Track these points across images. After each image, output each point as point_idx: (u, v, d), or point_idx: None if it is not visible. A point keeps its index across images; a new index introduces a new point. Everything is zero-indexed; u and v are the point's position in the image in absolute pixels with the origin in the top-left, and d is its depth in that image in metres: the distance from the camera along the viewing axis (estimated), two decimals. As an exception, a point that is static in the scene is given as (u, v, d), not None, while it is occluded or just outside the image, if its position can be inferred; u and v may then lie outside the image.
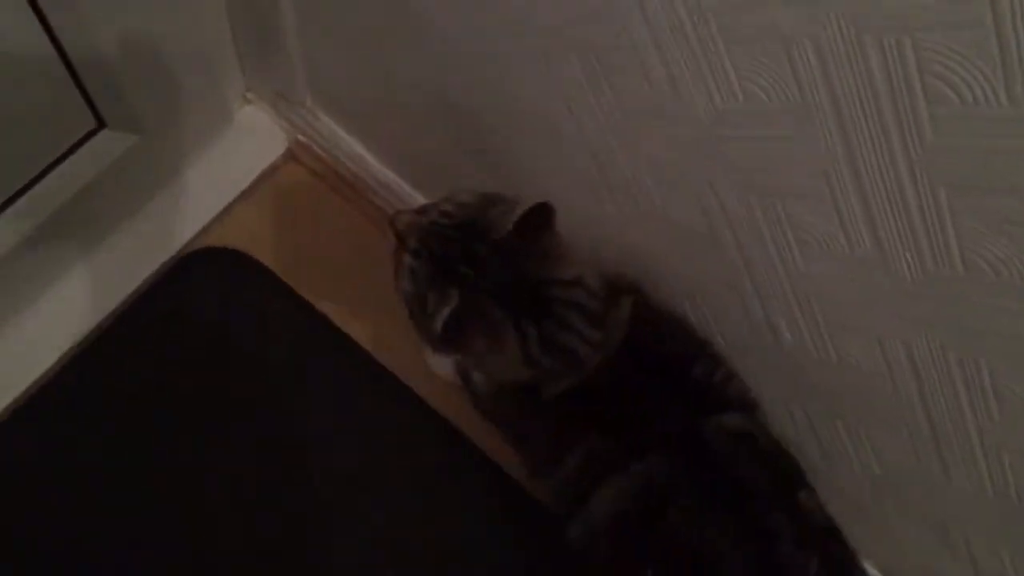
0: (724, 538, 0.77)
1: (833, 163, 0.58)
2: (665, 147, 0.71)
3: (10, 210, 0.95)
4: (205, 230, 1.13)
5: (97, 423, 1.04)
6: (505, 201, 0.78)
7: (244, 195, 1.15)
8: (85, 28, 0.84)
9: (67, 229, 1.01)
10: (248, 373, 1.10)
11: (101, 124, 0.99)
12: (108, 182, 1.01)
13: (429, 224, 0.78)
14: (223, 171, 1.14)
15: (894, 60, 0.50)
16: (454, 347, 0.79)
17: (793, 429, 0.89)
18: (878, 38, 0.49)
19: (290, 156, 1.18)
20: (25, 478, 1.01)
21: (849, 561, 0.81)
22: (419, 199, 1.08)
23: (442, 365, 1.03)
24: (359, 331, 1.13)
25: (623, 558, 0.81)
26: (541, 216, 0.75)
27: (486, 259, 0.75)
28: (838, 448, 0.86)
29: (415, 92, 0.93)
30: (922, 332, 0.65)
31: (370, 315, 1.12)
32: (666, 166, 0.73)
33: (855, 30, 0.50)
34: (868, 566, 0.94)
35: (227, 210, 1.14)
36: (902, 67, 0.50)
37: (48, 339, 1.04)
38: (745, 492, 0.79)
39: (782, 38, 0.54)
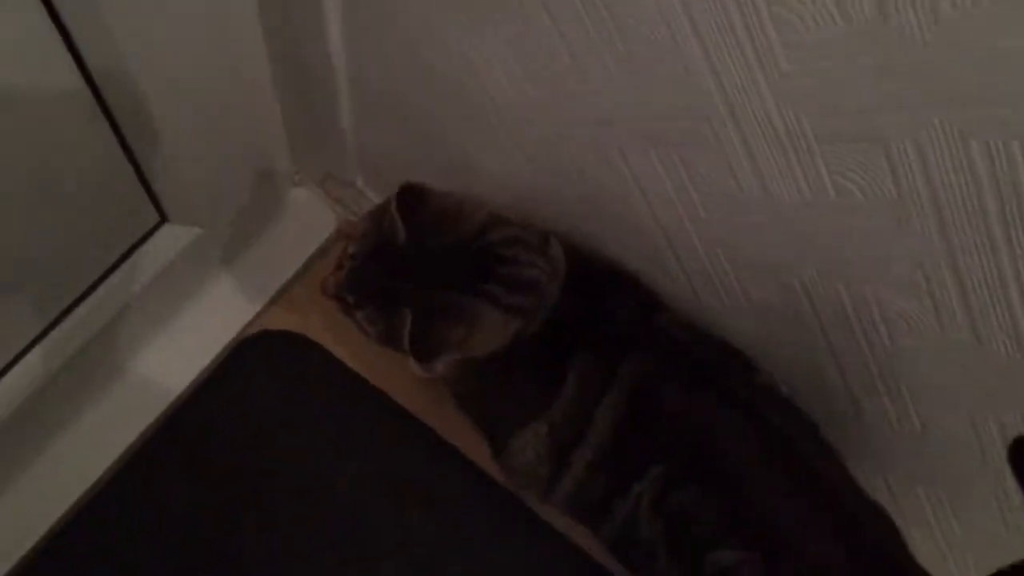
0: (719, 414, 0.78)
1: (930, 255, 0.60)
2: (744, 230, 0.72)
3: (81, 307, 0.96)
4: (260, 314, 1.14)
5: (163, 514, 1.04)
6: (387, 205, 0.80)
7: (296, 277, 1.16)
8: (150, 125, 0.86)
9: (127, 323, 1.02)
10: (309, 453, 1.10)
11: (163, 218, 1.00)
12: (167, 274, 1.02)
13: (348, 273, 0.81)
14: (274, 254, 1.15)
15: (1001, 162, 0.51)
16: (438, 352, 0.79)
17: (869, 491, 0.89)
18: (984, 141, 0.51)
19: (340, 235, 1.19)
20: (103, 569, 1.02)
21: (819, 431, 0.81)
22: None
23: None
24: (415, 404, 1.13)
25: (624, 473, 0.80)
26: (413, 196, 0.78)
27: (406, 265, 0.78)
28: (916, 511, 0.87)
29: (474, 175, 0.94)
30: (1016, 407, 0.66)
31: (424, 388, 1.13)
32: (744, 247, 0.74)
33: (961, 134, 0.52)
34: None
35: (280, 293, 1.15)
36: (1009, 168, 0.51)
37: (111, 431, 1.05)
38: (716, 371, 0.80)
39: (881, 139, 0.56)
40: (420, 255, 0.77)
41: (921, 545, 0.89)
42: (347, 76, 0.95)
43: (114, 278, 0.98)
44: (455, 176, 0.98)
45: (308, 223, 1.17)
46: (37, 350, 0.95)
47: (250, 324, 1.13)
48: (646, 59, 0.63)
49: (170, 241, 1.01)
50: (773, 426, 0.77)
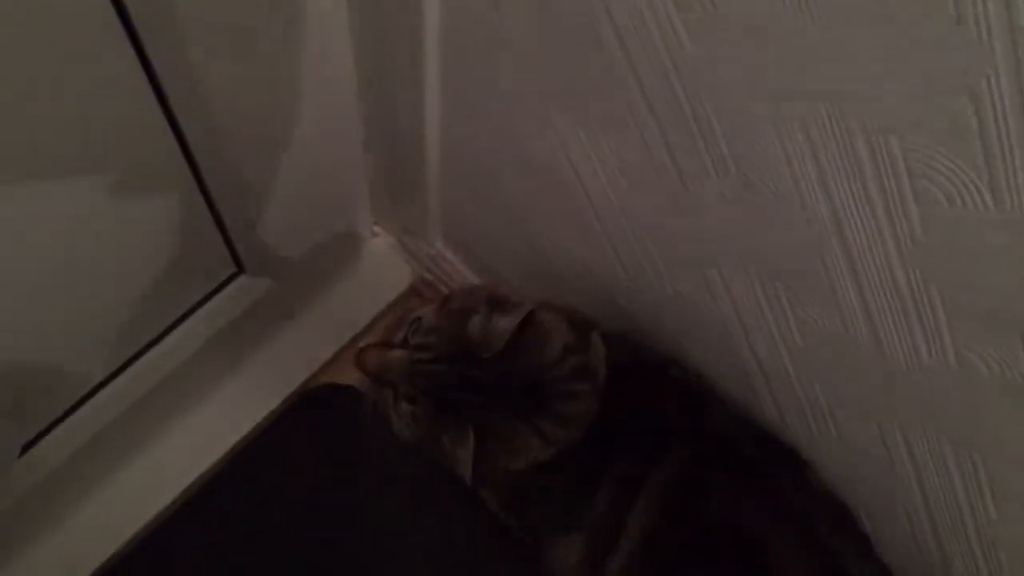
0: (764, 521, 0.75)
1: (1061, 446, 0.55)
2: (846, 371, 0.68)
3: (154, 350, 0.96)
4: (326, 366, 1.12)
5: (216, 565, 1.03)
6: (473, 308, 0.75)
7: (366, 330, 1.14)
8: (237, 185, 0.85)
9: (197, 368, 1.01)
10: (362, 515, 1.08)
11: (240, 270, 0.99)
12: (238, 323, 1.01)
13: (416, 364, 0.74)
14: (346, 306, 1.14)
15: None
16: (488, 478, 0.78)
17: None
18: None
19: (413, 292, 1.17)
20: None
21: (869, 541, 0.78)
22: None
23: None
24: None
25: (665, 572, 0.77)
26: (530, 325, 0.73)
27: (485, 381, 0.73)
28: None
29: (554, 262, 0.91)
30: None
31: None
32: (844, 387, 0.70)
33: (1116, 341, 0.47)
34: None
35: (348, 345, 1.13)
36: None
37: (167, 477, 1.04)
38: (763, 473, 0.78)
39: (1019, 324, 0.51)
40: (496, 373, 0.73)
41: None
42: (438, 140, 0.93)
43: (186, 325, 0.98)
44: (532, 257, 0.95)
45: (382, 277, 1.16)
46: (105, 392, 0.95)
47: (316, 375, 1.12)
48: (764, 200, 0.59)
49: (244, 292, 1.00)
50: (823, 537, 0.75)
